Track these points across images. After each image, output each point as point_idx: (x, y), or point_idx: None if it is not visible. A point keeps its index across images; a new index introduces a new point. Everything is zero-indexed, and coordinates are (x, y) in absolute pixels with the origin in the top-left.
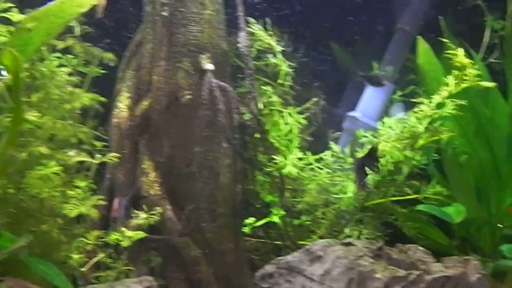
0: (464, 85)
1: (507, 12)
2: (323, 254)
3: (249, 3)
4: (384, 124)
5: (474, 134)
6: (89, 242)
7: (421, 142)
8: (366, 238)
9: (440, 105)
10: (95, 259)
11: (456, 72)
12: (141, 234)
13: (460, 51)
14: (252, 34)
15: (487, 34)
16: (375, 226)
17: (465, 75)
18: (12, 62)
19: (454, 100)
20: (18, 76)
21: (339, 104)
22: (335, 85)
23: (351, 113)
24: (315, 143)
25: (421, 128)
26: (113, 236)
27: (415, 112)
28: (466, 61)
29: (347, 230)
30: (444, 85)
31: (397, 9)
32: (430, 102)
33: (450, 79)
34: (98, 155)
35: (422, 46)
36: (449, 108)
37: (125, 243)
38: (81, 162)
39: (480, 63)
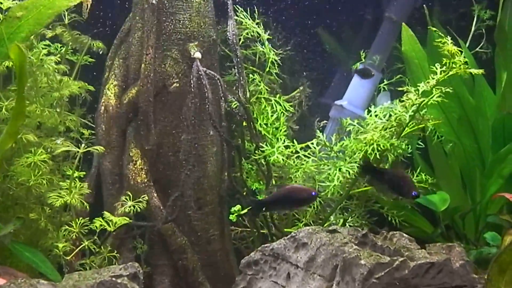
0: (452, 73)
1: (498, 1)
2: (308, 241)
3: None
4: (371, 112)
5: (458, 122)
6: (75, 230)
7: (407, 130)
8: (351, 225)
9: (426, 93)
10: (80, 247)
11: (444, 60)
12: (125, 220)
13: (448, 39)
14: (240, 22)
15: (474, 24)
16: (360, 214)
17: (454, 63)
18: (19, 56)
19: (440, 87)
20: (25, 70)
21: (326, 93)
22: (324, 73)
23: (338, 102)
24: (302, 131)
25: (407, 116)
26: (98, 223)
27: (402, 101)
28: (454, 49)
29: (332, 218)
30: (429, 73)
31: None
32: (417, 90)
33: (438, 67)
34: (84, 144)
35: (407, 33)
36: (435, 96)
37: (110, 229)
38: (69, 150)
39: (468, 52)
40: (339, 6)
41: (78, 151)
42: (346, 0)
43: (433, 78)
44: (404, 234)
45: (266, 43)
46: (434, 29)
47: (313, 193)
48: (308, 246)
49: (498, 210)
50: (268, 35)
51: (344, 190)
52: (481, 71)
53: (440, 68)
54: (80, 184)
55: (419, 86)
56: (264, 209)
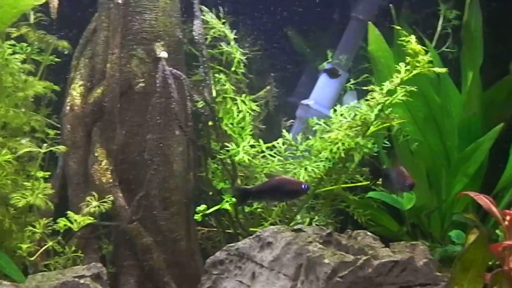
0: (416, 72)
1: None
2: (273, 241)
3: None
4: (336, 112)
5: (424, 121)
6: (38, 231)
7: (372, 129)
8: (318, 224)
9: (391, 92)
10: (44, 247)
11: (408, 59)
12: (89, 220)
13: (412, 38)
14: (207, 22)
15: (440, 23)
16: (326, 213)
17: (418, 61)
18: None
19: (405, 86)
20: None
21: (293, 92)
22: (291, 73)
23: (305, 101)
24: (269, 131)
25: (372, 115)
26: (62, 223)
27: (367, 100)
28: (418, 47)
29: (299, 217)
30: (395, 72)
31: None
32: (381, 89)
33: (402, 66)
34: (47, 144)
35: (373, 32)
36: (400, 95)
37: (75, 229)
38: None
39: (434, 51)
40: (307, 5)
41: (40, 151)
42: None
43: (397, 77)
44: (369, 233)
45: (232, 42)
46: (398, 28)
47: (303, 186)
48: (273, 246)
49: (464, 209)
50: (236, 34)
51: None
52: (444, 70)
53: (405, 67)
54: (43, 184)
55: (384, 84)
56: (251, 198)
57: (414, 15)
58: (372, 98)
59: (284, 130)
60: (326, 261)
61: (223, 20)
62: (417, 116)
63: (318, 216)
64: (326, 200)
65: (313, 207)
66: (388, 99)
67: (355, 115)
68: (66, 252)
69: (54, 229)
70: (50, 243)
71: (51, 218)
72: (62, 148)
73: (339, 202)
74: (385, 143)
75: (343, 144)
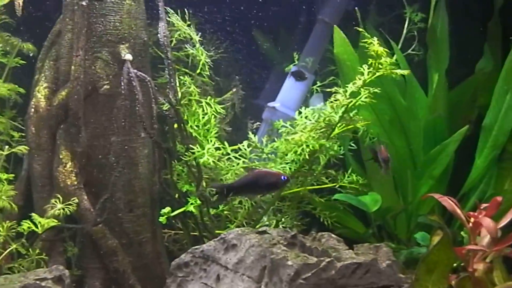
0: (379, 74)
1: (430, 4)
2: (237, 243)
3: None
4: (301, 114)
5: (390, 123)
6: (2, 234)
7: (336, 131)
8: (284, 227)
9: (355, 94)
10: (8, 250)
11: (371, 61)
12: (53, 223)
13: (375, 40)
14: (172, 24)
15: (405, 26)
16: (293, 215)
17: (380, 64)
18: None
19: (368, 88)
20: None
21: (260, 95)
22: (258, 75)
23: (271, 104)
24: (235, 133)
25: (336, 117)
26: (26, 225)
27: (331, 102)
28: (381, 49)
29: (265, 219)
30: (359, 74)
31: (319, 0)
32: (345, 91)
33: (365, 68)
34: (8, 146)
35: (338, 35)
36: (363, 97)
37: (39, 231)
38: None
39: (400, 54)
40: (274, 8)
41: (2, 154)
42: (281, 2)
43: (359, 79)
44: (333, 235)
45: (198, 45)
46: (361, 30)
47: (283, 177)
48: (238, 248)
49: (429, 211)
50: (202, 37)
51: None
52: (407, 71)
53: (368, 69)
54: (7, 186)
55: (347, 87)
56: (231, 193)
57: (381, 18)
58: (336, 100)
59: (250, 132)
60: (289, 263)
61: (189, 23)
62: (382, 119)
63: (284, 219)
64: (292, 202)
65: (279, 209)
66: (351, 101)
67: (319, 117)
68: (30, 255)
69: (19, 231)
70: (14, 246)
71: (14, 221)
72: (23, 149)
73: (305, 204)
74: (351, 146)
75: (307, 146)
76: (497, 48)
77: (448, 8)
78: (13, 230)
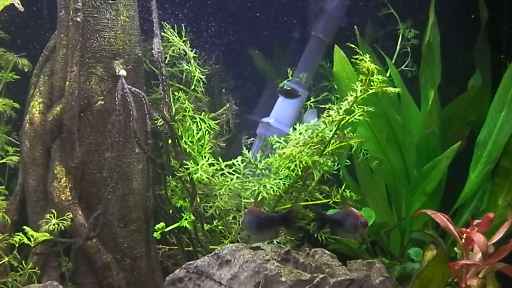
0: (371, 91)
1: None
2: (231, 258)
3: (165, 10)
4: (295, 130)
5: (386, 140)
6: None
7: (330, 147)
8: (278, 242)
9: (351, 111)
10: (1, 263)
11: (362, 78)
12: (46, 236)
13: (367, 57)
14: (167, 40)
15: (399, 42)
16: (286, 231)
17: (372, 81)
18: None
19: (363, 106)
20: None
21: (255, 110)
22: (253, 91)
23: (265, 119)
24: (229, 148)
25: (329, 133)
26: (18, 238)
27: (324, 118)
28: (373, 66)
29: None
30: (353, 91)
31: (313, 16)
32: (339, 107)
33: (358, 85)
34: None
35: (338, 54)
36: (357, 114)
37: (32, 245)
38: None
39: (395, 70)
40: (268, 25)
41: None
42: (275, 19)
43: (351, 95)
44: (326, 251)
45: (192, 61)
46: (353, 46)
47: (360, 222)
48: (232, 263)
49: (423, 226)
50: (196, 53)
51: (269, 207)
52: (398, 89)
53: (361, 86)
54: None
55: (341, 103)
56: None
57: (374, 34)
58: (329, 116)
59: (244, 148)
60: (283, 279)
61: (184, 38)
62: (380, 136)
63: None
64: None
65: None
66: (345, 118)
67: (312, 132)
68: (24, 269)
69: (13, 246)
70: (6, 259)
71: (7, 234)
72: (13, 159)
73: (299, 220)
74: (346, 162)
75: (300, 161)
76: (486, 63)
77: (439, 24)
78: (6, 244)
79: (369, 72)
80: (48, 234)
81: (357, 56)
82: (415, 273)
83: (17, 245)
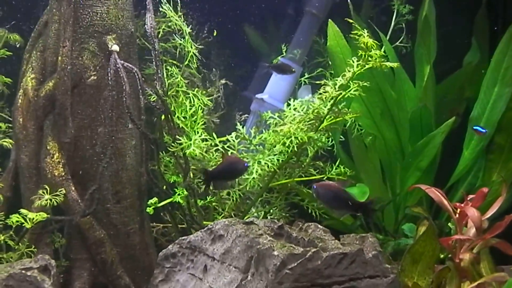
0: (368, 66)
1: None
2: (224, 233)
3: None
4: (290, 106)
5: (381, 116)
6: None
7: (325, 123)
8: (272, 218)
9: (346, 87)
10: None
11: (361, 53)
12: (41, 217)
13: (365, 32)
14: (162, 15)
15: (394, 18)
16: (281, 206)
17: (370, 56)
18: None
19: (358, 81)
20: None
21: (249, 86)
22: (248, 67)
23: (259, 95)
24: (224, 124)
25: (325, 109)
26: (15, 219)
27: (320, 94)
28: (370, 41)
29: (253, 211)
30: (349, 66)
31: None
32: (335, 83)
33: (355, 60)
34: None
35: (332, 28)
36: (353, 90)
37: (28, 226)
38: None
39: (389, 46)
40: (263, 0)
41: None
42: None
43: (349, 71)
44: (319, 226)
45: (187, 36)
46: (351, 21)
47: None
48: (224, 238)
49: (417, 202)
50: (191, 28)
51: (263, 183)
52: (396, 64)
53: (357, 61)
54: None
55: (337, 79)
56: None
57: (369, 10)
58: (325, 92)
59: (238, 124)
60: (275, 253)
61: (180, 14)
62: (374, 111)
63: (272, 210)
64: (280, 193)
65: (267, 201)
66: (341, 93)
67: (308, 109)
68: (19, 248)
69: (7, 223)
70: (2, 237)
71: (2, 212)
72: (9, 141)
73: (293, 196)
74: (340, 137)
75: (296, 138)
76: (484, 41)
77: (435, 1)
78: (1, 222)
79: (367, 47)
80: (44, 214)
81: (352, 31)
82: (407, 248)
83: (14, 226)
